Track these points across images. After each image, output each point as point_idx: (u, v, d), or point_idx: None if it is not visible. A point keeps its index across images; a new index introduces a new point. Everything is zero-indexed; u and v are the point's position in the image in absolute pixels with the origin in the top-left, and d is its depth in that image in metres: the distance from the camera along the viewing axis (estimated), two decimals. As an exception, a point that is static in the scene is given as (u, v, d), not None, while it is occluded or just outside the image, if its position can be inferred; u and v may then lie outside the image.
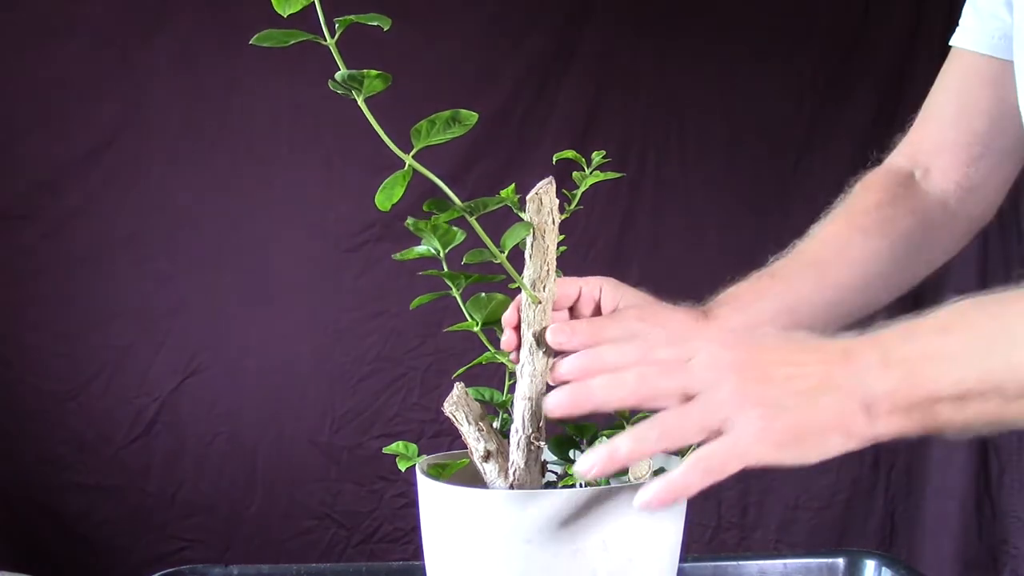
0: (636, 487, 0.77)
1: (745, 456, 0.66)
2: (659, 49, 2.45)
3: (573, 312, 0.90)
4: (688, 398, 0.68)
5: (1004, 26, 1.00)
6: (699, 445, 0.68)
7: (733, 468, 0.67)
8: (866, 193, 1.05)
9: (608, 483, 0.79)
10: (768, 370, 0.68)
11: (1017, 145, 1.02)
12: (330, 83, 0.68)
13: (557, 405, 0.70)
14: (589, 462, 0.68)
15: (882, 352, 0.69)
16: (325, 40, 0.68)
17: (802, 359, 0.69)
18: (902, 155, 1.09)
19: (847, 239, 1.00)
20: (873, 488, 2.51)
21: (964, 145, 1.05)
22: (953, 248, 1.08)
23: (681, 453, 0.83)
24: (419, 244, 0.82)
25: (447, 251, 0.81)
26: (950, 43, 1.07)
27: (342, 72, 0.68)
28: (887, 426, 0.68)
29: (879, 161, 1.10)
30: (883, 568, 1.12)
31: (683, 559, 0.80)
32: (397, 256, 0.82)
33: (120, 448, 2.31)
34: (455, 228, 0.80)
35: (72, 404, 2.29)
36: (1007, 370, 0.67)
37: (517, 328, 0.80)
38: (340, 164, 2.35)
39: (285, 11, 0.67)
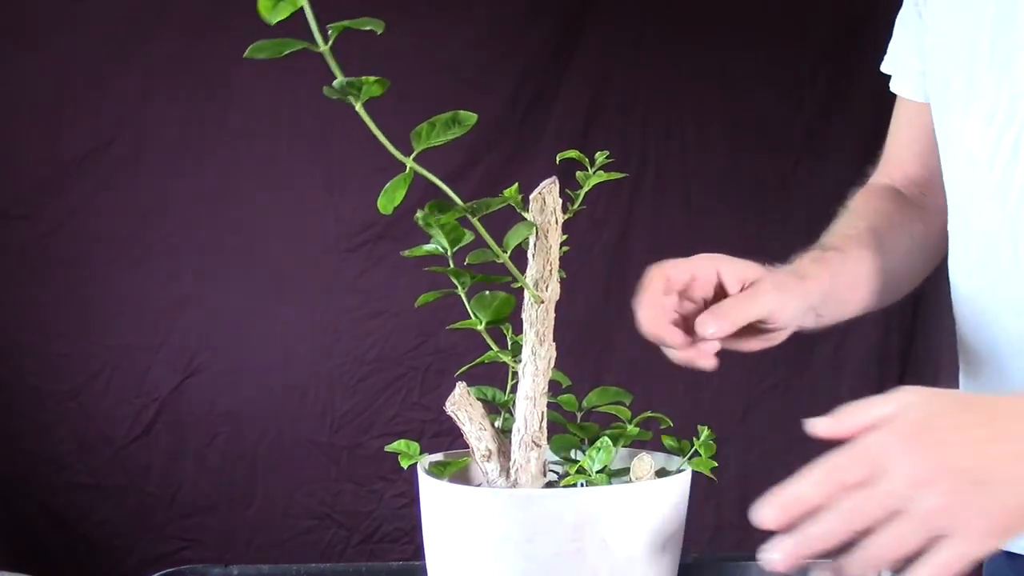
0: (636, 487, 0.77)
1: (978, 553, 0.64)
2: (659, 49, 2.45)
3: (684, 295, 0.90)
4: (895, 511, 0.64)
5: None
6: None
7: (964, 568, 0.65)
8: (869, 196, 1.09)
9: (609, 483, 0.79)
10: (963, 462, 0.64)
11: None
12: (326, 90, 0.68)
13: (778, 562, 0.65)
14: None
15: None
16: (318, 47, 0.67)
17: (1002, 430, 0.66)
18: (883, 176, 1.14)
19: (887, 214, 1.05)
20: (873, 488, 2.50)
21: (927, 178, 1.09)
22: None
23: (683, 452, 0.83)
24: (426, 241, 0.82)
25: (455, 249, 0.81)
26: (891, 88, 1.13)
27: (339, 80, 0.67)
28: None
29: (864, 179, 1.15)
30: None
31: (683, 559, 0.80)
32: (406, 253, 0.82)
33: (120, 448, 2.31)
34: (463, 227, 0.80)
35: (72, 404, 2.29)
36: None
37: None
38: (340, 164, 2.35)
39: (272, 19, 0.65)
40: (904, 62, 1.10)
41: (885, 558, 0.64)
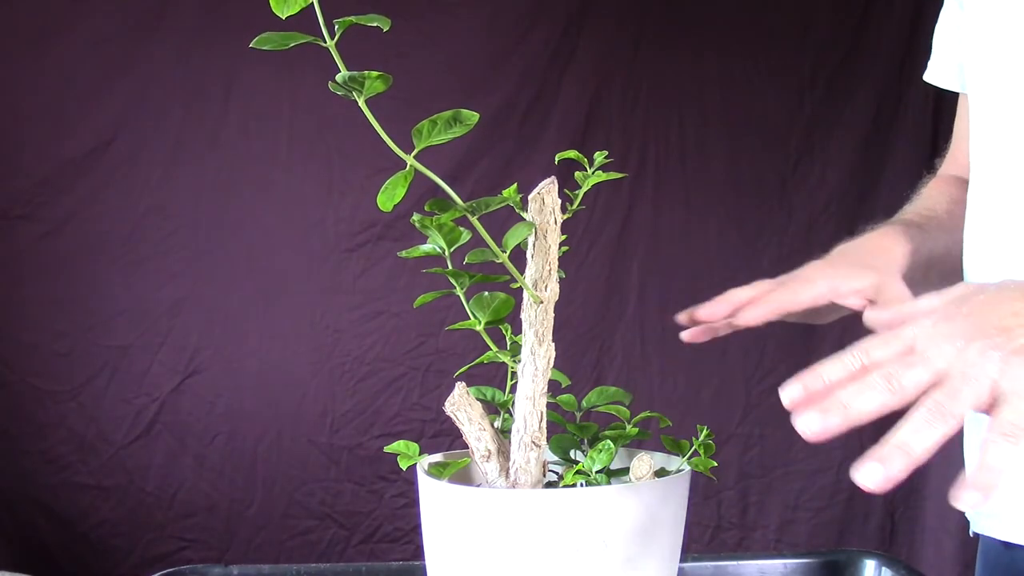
0: (636, 487, 0.77)
1: None
2: (659, 48, 2.45)
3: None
4: (934, 383, 0.62)
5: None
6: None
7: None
8: (940, 183, 1.11)
9: (608, 483, 0.79)
10: (1002, 322, 0.62)
11: None
12: (330, 85, 0.68)
13: (808, 426, 0.61)
14: (877, 471, 0.61)
15: None
16: (325, 42, 0.67)
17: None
18: (951, 166, 1.15)
19: (956, 201, 1.05)
20: (873, 488, 2.50)
21: None
22: None
23: (682, 452, 0.83)
24: (424, 242, 0.82)
25: (452, 250, 0.81)
26: (925, 78, 1.13)
27: (343, 74, 0.67)
28: None
29: (934, 170, 1.16)
30: (883, 568, 1.11)
31: (683, 559, 0.80)
32: (402, 254, 0.82)
33: (120, 448, 2.31)
34: (460, 227, 0.80)
35: (72, 404, 2.29)
36: None
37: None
38: (340, 164, 2.35)
39: (283, 13, 0.66)
40: (944, 53, 1.10)
41: (944, 420, 0.61)
